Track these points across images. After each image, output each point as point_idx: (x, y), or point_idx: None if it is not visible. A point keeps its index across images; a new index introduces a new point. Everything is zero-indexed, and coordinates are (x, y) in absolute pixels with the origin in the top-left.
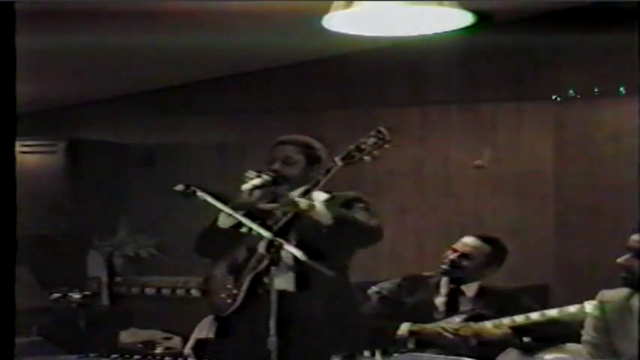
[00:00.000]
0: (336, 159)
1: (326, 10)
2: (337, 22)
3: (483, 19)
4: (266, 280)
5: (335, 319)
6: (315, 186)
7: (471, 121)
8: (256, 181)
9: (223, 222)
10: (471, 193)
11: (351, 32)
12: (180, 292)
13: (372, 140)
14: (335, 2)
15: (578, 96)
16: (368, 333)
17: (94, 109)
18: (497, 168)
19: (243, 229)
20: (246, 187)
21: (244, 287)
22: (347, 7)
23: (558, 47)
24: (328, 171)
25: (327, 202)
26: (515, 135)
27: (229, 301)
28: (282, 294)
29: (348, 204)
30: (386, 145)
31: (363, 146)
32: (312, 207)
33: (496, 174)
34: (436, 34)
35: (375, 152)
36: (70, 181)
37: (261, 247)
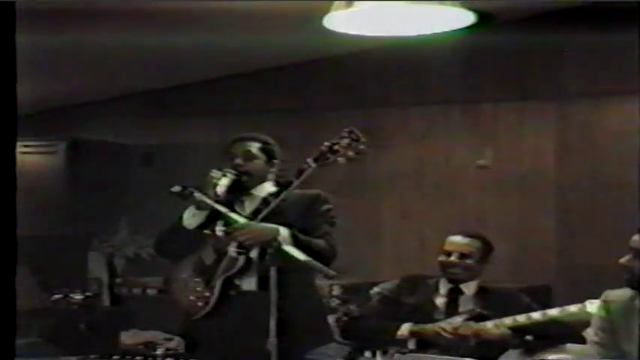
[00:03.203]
0: (309, 160)
1: (327, 10)
2: (338, 21)
3: (485, 18)
4: (237, 281)
5: (306, 317)
6: (287, 187)
7: (473, 120)
8: (225, 181)
9: (188, 222)
10: (473, 193)
11: (352, 32)
12: None
13: (345, 141)
14: (335, 2)
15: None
16: (368, 333)
17: (95, 109)
18: (499, 168)
19: (207, 230)
20: (220, 190)
21: (217, 289)
22: (348, 6)
23: (560, 46)
24: (301, 172)
25: (291, 234)
26: (518, 134)
27: (200, 303)
28: (249, 294)
29: (309, 208)
30: (360, 146)
31: (336, 147)
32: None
33: (498, 174)
34: (437, 33)
35: (350, 153)
36: (70, 181)
37: (232, 250)
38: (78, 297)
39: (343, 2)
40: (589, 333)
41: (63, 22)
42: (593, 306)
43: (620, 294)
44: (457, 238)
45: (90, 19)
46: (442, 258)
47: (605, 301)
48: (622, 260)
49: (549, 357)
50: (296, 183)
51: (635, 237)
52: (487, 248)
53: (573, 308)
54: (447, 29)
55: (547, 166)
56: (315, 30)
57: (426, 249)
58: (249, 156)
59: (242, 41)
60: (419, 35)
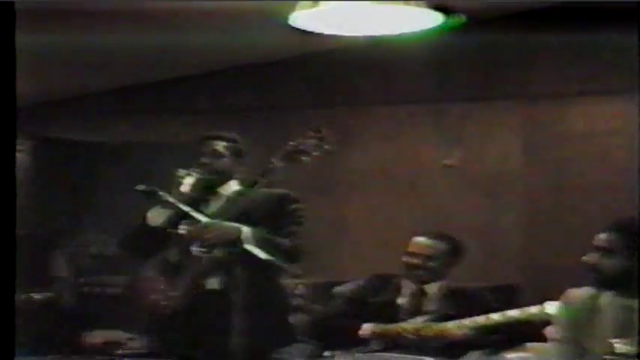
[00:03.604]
0: (275, 159)
1: (294, 9)
2: (304, 20)
3: (455, 18)
4: (201, 281)
5: (270, 316)
6: (253, 186)
7: (441, 120)
8: (190, 180)
9: (153, 220)
10: (440, 193)
11: (318, 31)
12: None
13: (312, 140)
14: (301, 1)
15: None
16: (331, 332)
17: (60, 107)
18: (466, 168)
19: (171, 229)
20: (184, 189)
21: (181, 289)
22: (313, 5)
23: (528, 47)
24: (267, 172)
25: (255, 233)
26: (485, 135)
27: (164, 303)
28: (213, 293)
29: (277, 207)
30: (327, 146)
31: (302, 147)
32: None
33: (466, 174)
34: (406, 33)
35: (316, 153)
36: (35, 179)
37: (195, 249)
38: (38, 296)
39: (309, 1)
40: (550, 331)
41: (30, 21)
42: (552, 307)
43: (582, 293)
44: (421, 240)
45: (58, 18)
46: (406, 259)
47: (566, 301)
48: (585, 258)
49: (510, 356)
50: (262, 182)
51: (601, 235)
52: (453, 250)
53: (533, 309)
54: (416, 29)
55: (514, 166)
56: (284, 29)
57: (391, 249)
58: (215, 154)
59: (211, 40)
60: (387, 35)
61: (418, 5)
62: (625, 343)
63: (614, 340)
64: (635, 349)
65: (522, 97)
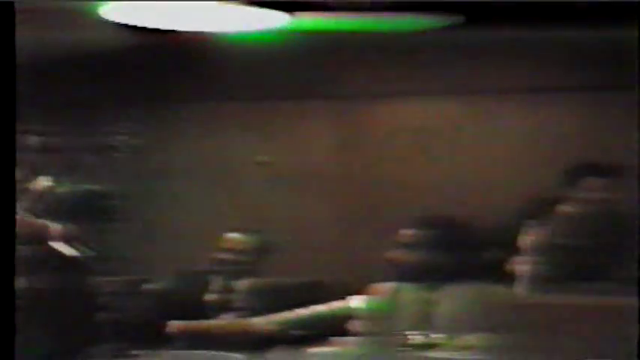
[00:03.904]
0: (85, 155)
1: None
2: (119, 14)
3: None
4: (19, 281)
5: (77, 315)
6: (63, 182)
7: (254, 117)
8: None
9: None
10: (253, 190)
11: (134, 24)
12: None
13: (122, 137)
14: None
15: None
16: (138, 330)
17: None
18: (279, 164)
19: None
20: None
21: None
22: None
23: (341, 46)
24: (78, 167)
25: (62, 229)
26: (298, 133)
27: None
28: (19, 292)
29: (87, 203)
30: (137, 142)
31: (112, 143)
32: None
33: (278, 170)
34: (230, 31)
35: (127, 149)
36: None
37: (23, 248)
38: None
39: None
40: (354, 325)
41: None
42: (356, 301)
43: (385, 287)
44: (233, 236)
45: None
46: (217, 255)
47: (370, 296)
48: (389, 254)
49: (314, 350)
50: (72, 178)
51: (405, 231)
52: (264, 246)
53: (338, 304)
54: (240, 28)
55: (327, 163)
56: (102, 22)
57: (202, 246)
58: (25, 148)
59: (22, 34)
60: (205, 31)
61: (236, 4)
62: (421, 335)
63: (408, 332)
64: (428, 341)
65: (335, 96)
